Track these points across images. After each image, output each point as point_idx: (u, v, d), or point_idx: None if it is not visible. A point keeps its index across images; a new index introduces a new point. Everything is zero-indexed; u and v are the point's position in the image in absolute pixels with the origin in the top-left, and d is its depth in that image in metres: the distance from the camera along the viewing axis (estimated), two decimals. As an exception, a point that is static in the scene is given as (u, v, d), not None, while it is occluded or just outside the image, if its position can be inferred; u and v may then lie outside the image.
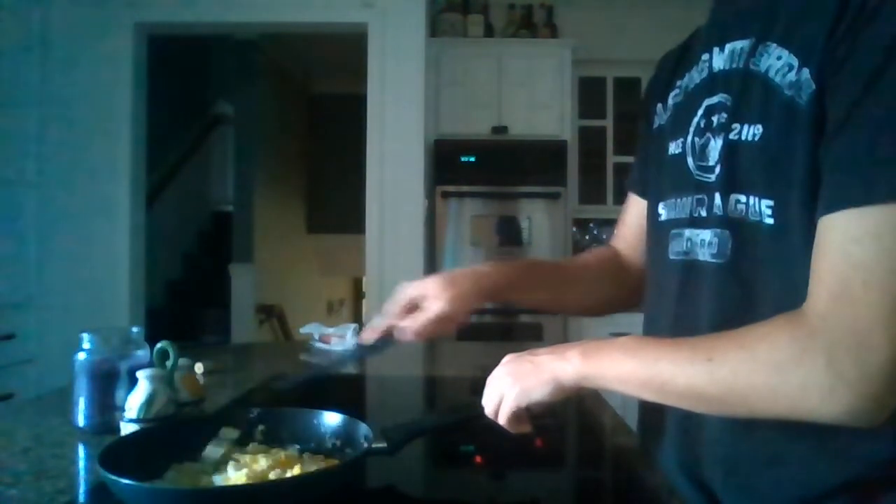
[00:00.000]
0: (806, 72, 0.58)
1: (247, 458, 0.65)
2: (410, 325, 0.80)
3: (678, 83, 0.80)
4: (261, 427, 0.74)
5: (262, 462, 0.64)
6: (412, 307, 0.81)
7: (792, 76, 0.60)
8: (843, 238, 0.53)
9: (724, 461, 0.68)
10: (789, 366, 0.54)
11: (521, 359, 0.70)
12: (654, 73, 0.90)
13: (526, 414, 0.70)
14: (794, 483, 0.63)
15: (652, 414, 0.81)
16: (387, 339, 0.82)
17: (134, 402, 0.78)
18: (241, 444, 0.72)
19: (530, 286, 0.90)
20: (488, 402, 0.71)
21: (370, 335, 0.82)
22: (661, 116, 0.84)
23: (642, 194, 0.91)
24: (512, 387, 0.68)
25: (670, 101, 0.82)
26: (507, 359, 0.72)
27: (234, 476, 0.62)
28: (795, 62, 0.60)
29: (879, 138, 0.52)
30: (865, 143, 0.53)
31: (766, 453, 0.64)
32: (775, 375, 0.54)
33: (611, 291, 0.97)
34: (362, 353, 0.81)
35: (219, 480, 0.63)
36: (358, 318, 7.00)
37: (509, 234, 3.32)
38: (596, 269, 0.97)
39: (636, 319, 0.86)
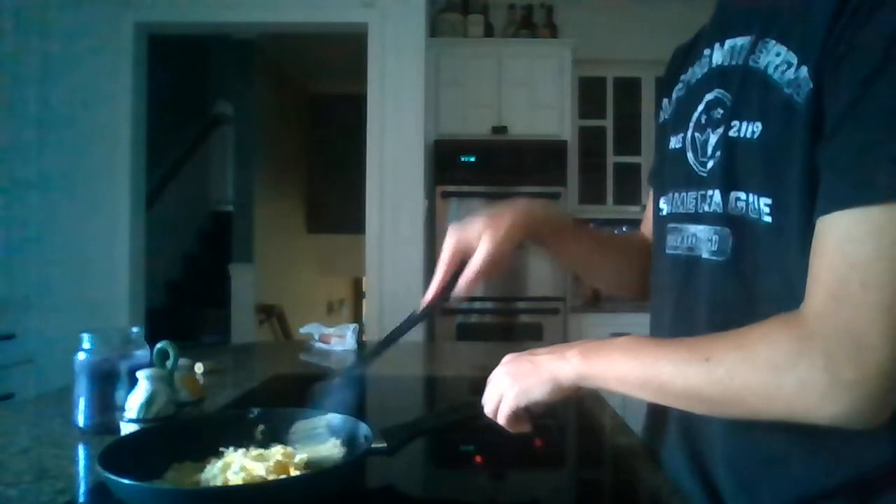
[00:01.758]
0: (804, 69, 0.58)
1: (246, 463, 0.65)
2: (463, 281, 0.78)
3: (682, 78, 0.80)
4: (261, 427, 0.74)
5: (259, 470, 0.63)
6: (463, 253, 0.79)
7: (790, 73, 0.59)
8: (841, 238, 0.53)
9: (725, 460, 0.68)
10: (786, 367, 0.53)
11: (521, 359, 0.70)
12: (666, 68, 0.90)
13: (525, 414, 0.70)
14: (794, 482, 0.63)
15: (656, 413, 0.81)
16: (448, 294, 0.79)
17: (134, 402, 0.78)
18: (241, 444, 0.71)
19: (567, 236, 0.89)
20: (488, 402, 0.71)
21: (434, 294, 0.79)
22: (665, 111, 0.84)
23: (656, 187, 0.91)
24: (511, 387, 0.68)
25: (674, 96, 0.82)
26: (506, 359, 0.72)
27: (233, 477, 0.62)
28: (794, 59, 0.59)
29: (877, 138, 0.52)
30: (863, 143, 0.53)
31: (766, 453, 0.64)
32: (772, 376, 0.54)
33: (638, 274, 0.96)
34: (417, 320, 0.79)
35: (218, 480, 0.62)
36: (358, 318, 7.00)
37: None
38: (631, 247, 0.96)
39: (636, 319, 0.86)
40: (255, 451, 0.67)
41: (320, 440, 0.72)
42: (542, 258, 0.93)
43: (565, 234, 0.88)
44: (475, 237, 0.78)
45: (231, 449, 0.67)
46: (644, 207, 1.00)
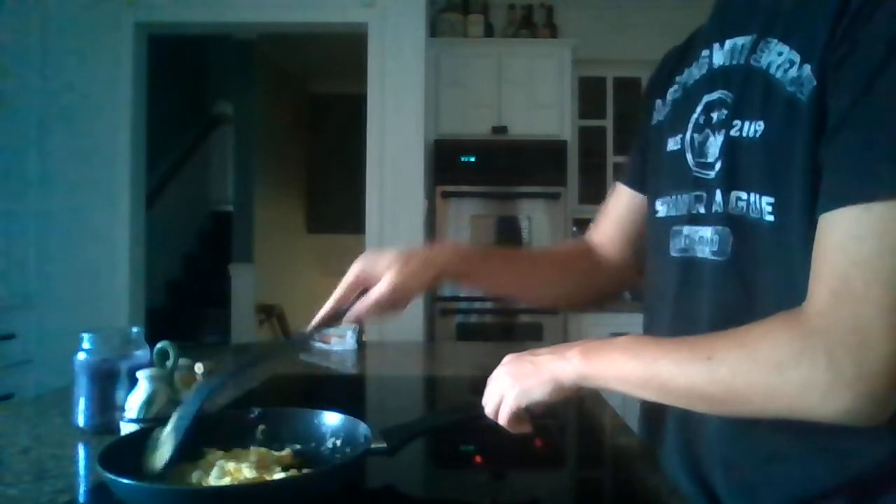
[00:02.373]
0: (807, 68, 0.58)
1: (230, 466, 0.64)
2: (357, 308, 0.77)
3: (677, 79, 0.80)
4: (261, 427, 0.74)
5: (245, 472, 0.63)
6: (365, 284, 0.77)
7: (793, 72, 0.60)
8: (843, 235, 0.53)
9: (723, 460, 0.68)
10: (789, 364, 0.53)
11: (522, 359, 0.70)
12: (656, 69, 0.89)
13: (526, 414, 0.70)
14: (794, 482, 0.63)
15: (653, 413, 0.81)
16: (337, 319, 0.77)
17: (134, 402, 0.78)
18: (241, 444, 0.71)
19: (489, 272, 0.88)
20: (488, 403, 0.71)
21: (319, 321, 0.78)
22: (660, 112, 0.84)
23: (635, 187, 0.90)
24: (512, 387, 0.68)
25: (669, 97, 0.81)
26: (507, 359, 0.72)
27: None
28: (797, 58, 0.60)
29: (880, 135, 0.52)
30: (866, 140, 0.53)
31: (765, 452, 0.64)
32: (775, 374, 0.54)
33: (576, 286, 0.95)
34: (303, 340, 0.76)
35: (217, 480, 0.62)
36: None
37: (509, 234, 3.32)
38: (563, 261, 0.96)
39: (636, 319, 0.86)
40: (238, 458, 0.66)
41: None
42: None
43: (477, 273, 0.87)
44: (381, 269, 0.76)
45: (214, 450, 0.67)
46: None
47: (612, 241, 0.94)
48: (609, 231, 0.95)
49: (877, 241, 0.51)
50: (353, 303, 0.77)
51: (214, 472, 0.63)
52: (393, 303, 0.76)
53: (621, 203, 0.93)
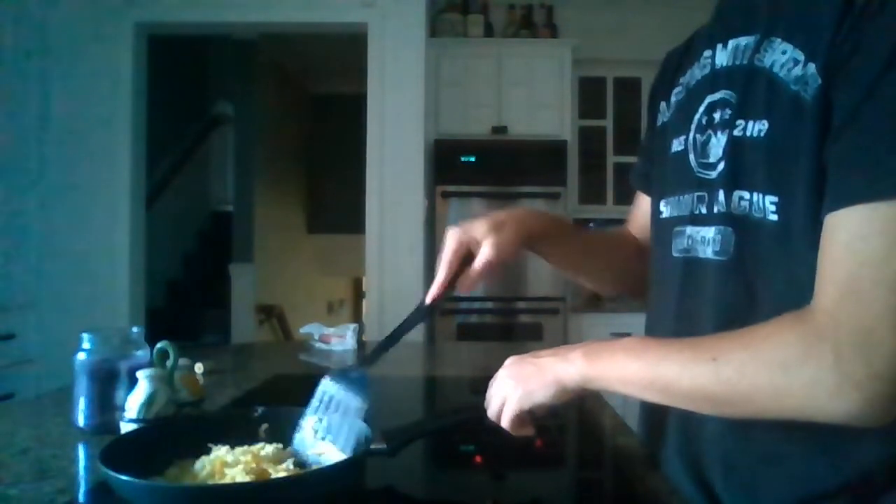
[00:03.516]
0: (812, 66, 0.58)
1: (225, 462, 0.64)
2: (471, 275, 0.79)
3: (680, 80, 0.80)
4: (264, 426, 0.74)
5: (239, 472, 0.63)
6: (465, 252, 0.79)
7: (798, 71, 0.59)
8: (850, 235, 0.53)
9: (723, 461, 0.68)
10: (796, 365, 0.53)
11: (524, 361, 0.70)
12: (659, 71, 0.90)
13: (529, 417, 0.70)
14: (794, 483, 0.62)
15: (653, 414, 0.81)
16: (449, 292, 0.80)
17: (134, 402, 0.78)
18: (244, 443, 0.71)
19: (562, 241, 0.90)
20: (491, 405, 0.71)
21: (437, 291, 0.79)
22: (664, 114, 0.84)
23: (646, 190, 0.91)
24: (515, 389, 0.68)
25: (673, 99, 0.82)
26: (509, 361, 0.72)
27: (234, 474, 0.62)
28: (801, 57, 0.59)
29: (886, 134, 0.52)
30: (872, 139, 0.53)
31: (765, 453, 0.64)
32: (781, 375, 0.54)
33: (633, 271, 0.96)
34: (421, 316, 0.79)
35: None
36: (358, 318, 6.99)
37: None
38: (617, 242, 0.98)
39: (636, 319, 0.86)
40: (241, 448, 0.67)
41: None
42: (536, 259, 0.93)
43: (560, 239, 0.89)
44: (478, 239, 0.78)
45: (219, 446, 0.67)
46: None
47: (644, 238, 0.95)
48: (638, 230, 0.97)
49: (884, 241, 0.51)
50: (460, 271, 0.79)
51: (207, 469, 0.63)
52: (494, 270, 0.78)
53: (642, 207, 0.94)
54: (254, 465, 0.63)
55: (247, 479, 0.61)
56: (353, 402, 0.70)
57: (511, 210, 0.83)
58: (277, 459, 0.66)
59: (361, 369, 0.73)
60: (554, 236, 0.87)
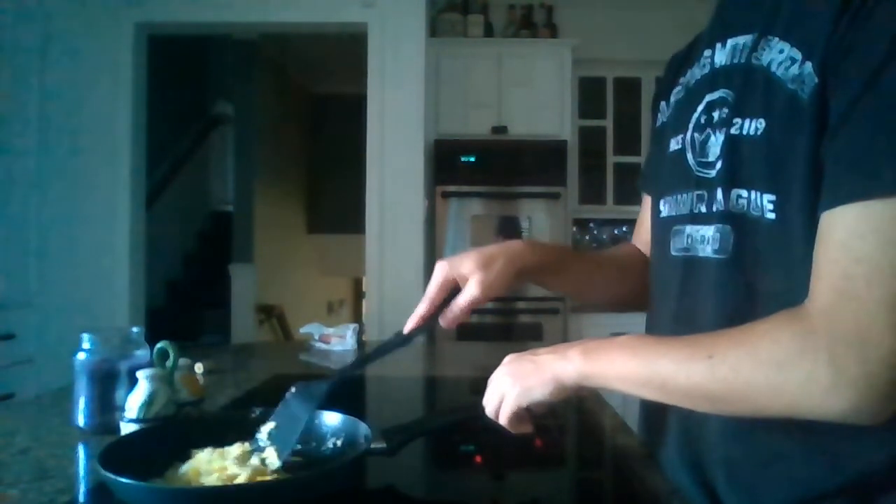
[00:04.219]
0: (809, 65, 0.58)
1: (216, 464, 0.64)
2: (450, 312, 0.78)
3: (680, 80, 0.80)
4: (262, 426, 0.74)
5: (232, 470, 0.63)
6: (450, 287, 0.79)
7: (794, 70, 0.60)
8: (845, 233, 0.53)
9: (724, 461, 0.68)
10: (791, 363, 0.53)
11: (522, 359, 0.70)
12: (663, 74, 0.90)
13: (527, 414, 0.70)
14: (794, 483, 0.62)
15: (653, 413, 0.81)
16: (430, 324, 0.79)
17: (134, 402, 0.78)
18: (242, 443, 0.71)
19: (561, 270, 0.88)
20: (489, 403, 0.71)
21: (416, 323, 0.79)
22: (664, 114, 0.85)
23: (648, 191, 0.91)
24: (513, 387, 0.68)
25: (672, 99, 0.82)
26: (507, 359, 0.72)
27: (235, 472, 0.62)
28: (798, 56, 0.60)
29: (881, 133, 0.52)
30: (868, 137, 0.53)
31: (766, 453, 0.64)
32: (776, 373, 0.54)
33: (633, 288, 0.95)
34: (398, 343, 0.79)
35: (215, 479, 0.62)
36: (358, 318, 7.00)
37: (509, 235, 3.31)
38: (621, 264, 0.96)
39: (637, 319, 0.86)
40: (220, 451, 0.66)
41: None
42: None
43: (558, 270, 0.87)
44: (465, 275, 0.77)
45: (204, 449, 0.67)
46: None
47: (648, 248, 0.94)
48: (643, 238, 0.96)
49: (878, 239, 0.51)
50: (443, 305, 0.79)
51: (203, 468, 0.63)
52: (483, 303, 0.78)
53: (646, 212, 0.93)
54: (229, 473, 0.63)
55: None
56: (300, 412, 0.71)
57: (505, 244, 0.81)
58: (243, 461, 0.66)
59: (325, 383, 0.73)
60: (551, 269, 0.86)
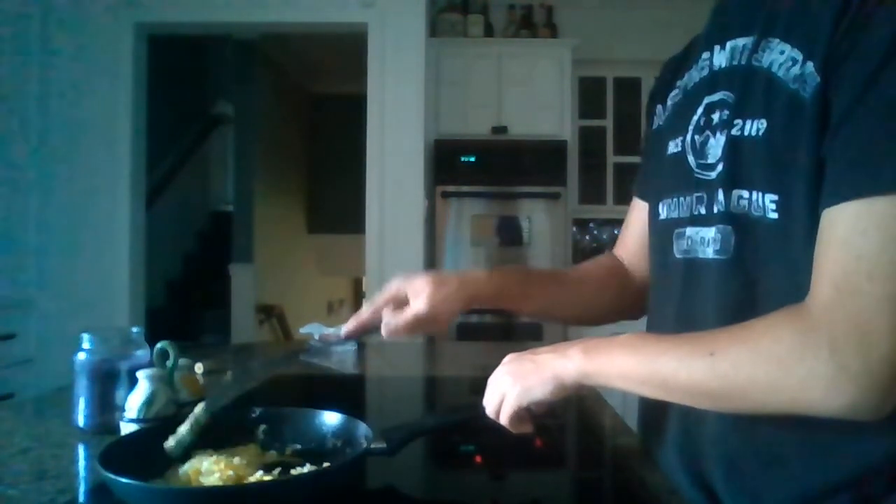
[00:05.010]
0: (810, 65, 0.58)
1: (220, 465, 0.64)
2: (392, 322, 0.79)
3: (678, 83, 0.80)
4: (262, 427, 0.74)
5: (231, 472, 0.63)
6: (399, 301, 0.80)
7: (796, 70, 0.60)
8: (846, 230, 0.53)
9: (724, 460, 0.68)
10: (792, 359, 0.53)
11: (522, 358, 0.70)
12: (658, 76, 0.90)
13: (527, 413, 0.70)
14: (794, 482, 0.62)
15: (652, 413, 0.81)
16: (370, 330, 0.81)
17: (134, 402, 0.78)
18: (242, 443, 0.71)
19: (523, 296, 0.88)
20: (489, 402, 0.71)
21: (354, 326, 0.81)
22: (660, 117, 0.85)
23: (645, 197, 0.90)
24: (513, 386, 0.68)
25: (669, 102, 0.82)
26: (508, 358, 0.72)
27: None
28: (799, 56, 0.60)
29: (882, 131, 0.53)
30: (869, 135, 0.53)
31: (766, 453, 0.64)
32: (778, 369, 0.54)
33: (611, 302, 0.95)
34: (338, 345, 0.80)
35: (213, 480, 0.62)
36: (358, 318, 6.97)
37: (509, 234, 3.32)
38: (596, 279, 0.95)
39: (636, 321, 0.86)
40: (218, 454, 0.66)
41: None
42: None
43: (512, 297, 0.87)
44: (417, 289, 0.79)
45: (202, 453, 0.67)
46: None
47: (635, 254, 0.94)
48: (631, 245, 0.95)
49: (879, 236, 0.52)
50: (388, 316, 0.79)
51: (204, 468, 0.63)
52: (427, 321, 0.79)
53: (637, 215, 0.93)
54: (230, 473, 0.62)
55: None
56: None
57: (465, 271, 0.82)
58: (252, 464, 0.66)
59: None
60: (511, 296, 0.86)
